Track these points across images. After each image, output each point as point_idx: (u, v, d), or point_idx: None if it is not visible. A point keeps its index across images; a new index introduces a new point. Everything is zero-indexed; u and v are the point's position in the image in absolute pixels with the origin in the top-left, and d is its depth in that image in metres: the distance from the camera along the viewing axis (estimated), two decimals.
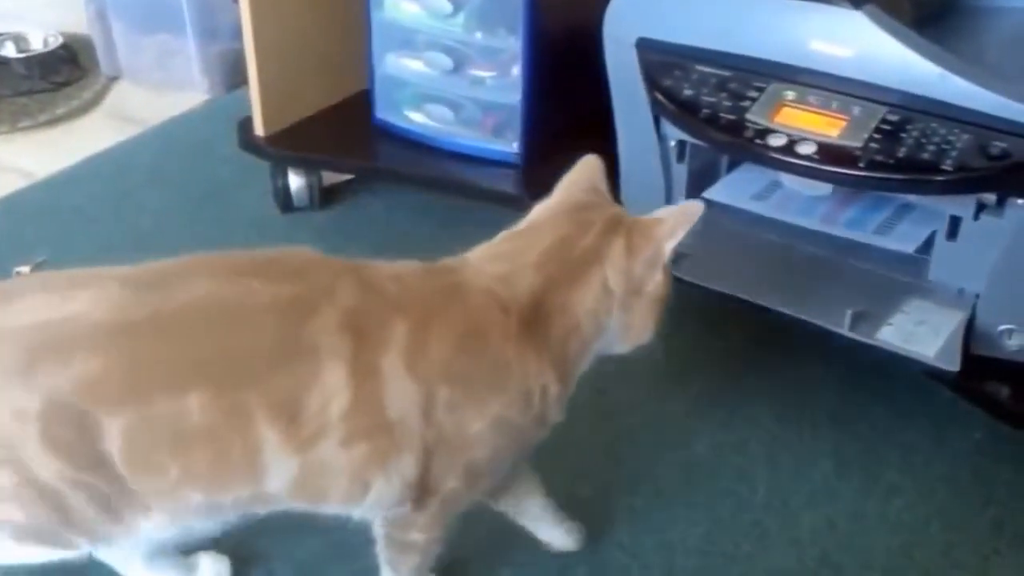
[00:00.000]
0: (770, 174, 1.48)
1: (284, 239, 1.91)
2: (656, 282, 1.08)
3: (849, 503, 1.38)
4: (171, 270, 1.00)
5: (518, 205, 1.77)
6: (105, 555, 1.15)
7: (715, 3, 1.37)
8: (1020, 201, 1.24)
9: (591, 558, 1.29)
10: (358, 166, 1.94)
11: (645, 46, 1.42)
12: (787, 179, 1.43)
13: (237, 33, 1.87)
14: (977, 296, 1.35)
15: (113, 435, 0.93)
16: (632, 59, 1.43)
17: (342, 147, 1.92)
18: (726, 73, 1.36)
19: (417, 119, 1.87)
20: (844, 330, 1.33)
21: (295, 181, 1.93)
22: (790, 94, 1.32)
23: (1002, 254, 1.30)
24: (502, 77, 1.78)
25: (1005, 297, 1.33)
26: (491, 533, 1.26)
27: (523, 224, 1.13)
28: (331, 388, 0.95)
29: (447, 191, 1.86)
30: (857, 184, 1.25)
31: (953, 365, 1.29)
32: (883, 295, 1.39)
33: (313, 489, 1.01)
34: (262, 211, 1.97)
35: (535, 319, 1.03)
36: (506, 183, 1.82)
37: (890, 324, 1.34)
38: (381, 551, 1.15)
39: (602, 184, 1.15)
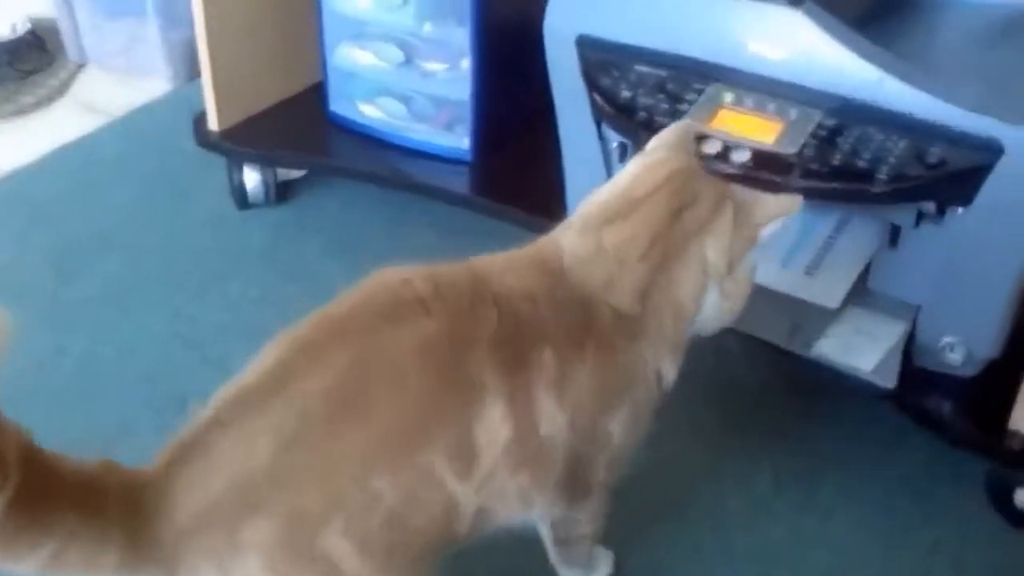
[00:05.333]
0: None
1: (240, 236, 1.91)
2: (748, 265, 1.08)
3: (787, 521, 1.34)
4: (285, 360, 0.91)
5: (468, 204, 1.76)
6: None
7: (655, 1, 1.32)
8: (960, 210, 1.19)
9: None
10: (311, 162, 1.90)
11: (585, 44, 1.37)
12: None
13: None
14: (919, 307, 1.31)
15: (341, 549, 0.89)
16: (573, 57, 1.39)
17: (296, 142, 1.88)
18: (665, 74, 1.31)
19: (370, 113, 1.83)
20: (782, 343, 1.29)
21: (251, 177, 1.89)
22: (729, 96, 1.27)
23: (943, 264, 1.25)
24: (453, 71, 1.74)
25: (946, 309, 1.29)
26: None
27: (626, 184, 1.08)
28: (495, 424, 0.93)
29: (398, 188, 1.83)
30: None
31: (889, 382, 1.25)
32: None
33: (486, 518, 1.00)
34: (220, 207, 1.93)
35: (646, 311, 1.03)
36: (457, 181, 1.78)
37: (828, 336, 1.30)
38: (555, 553, 1.20)
39: (694, 152, 1.15)
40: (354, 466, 0.89)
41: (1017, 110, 1.13)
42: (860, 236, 1.36)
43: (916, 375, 1.32)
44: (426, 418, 0.91)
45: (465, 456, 0.92)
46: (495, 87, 1.73)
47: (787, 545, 1.31)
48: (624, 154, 1.42)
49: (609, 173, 1.46)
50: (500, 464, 0.94)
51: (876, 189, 1.16)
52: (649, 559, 1.28)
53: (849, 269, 1.34)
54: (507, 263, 1.02)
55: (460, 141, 1.78)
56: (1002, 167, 1.14)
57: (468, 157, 1.78)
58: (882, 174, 1.15)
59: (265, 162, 1.88)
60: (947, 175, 1.15)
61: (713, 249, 1.04)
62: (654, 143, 1.12)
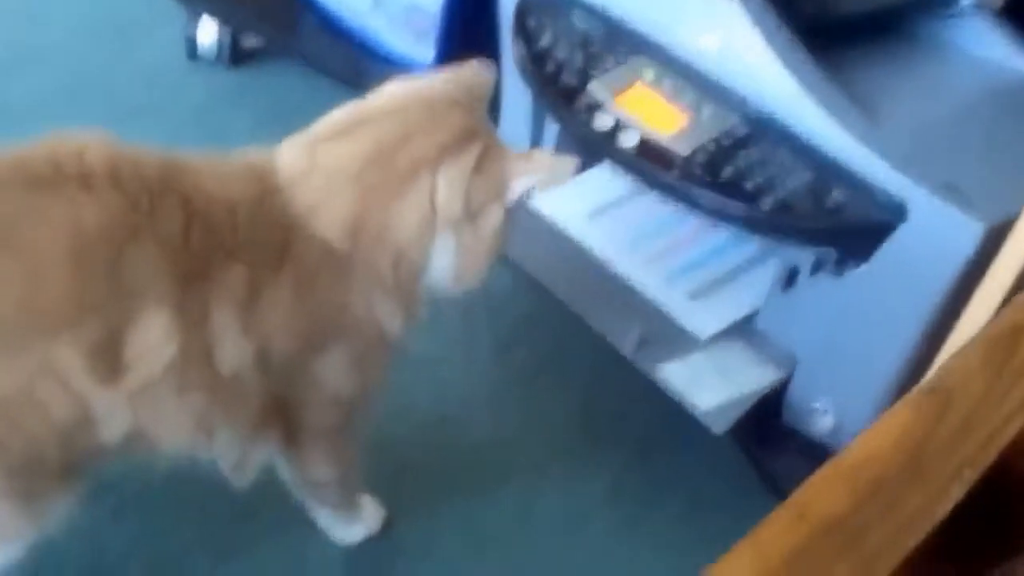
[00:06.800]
0: None
1: (177, 87, 1.80)
2: (493, 218, 0.91)
3: (602, 533, 1.22)
4: None
5: None
6: None
7: None
8: (859, 269, 1.06)
9: None
10: (267, 31, 1.79)
11: None
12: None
13: None
14: (797, 361, 1.17)
15: None
16: None
17: (259, 9, 1.77)
18: (595, 32, 1.18)
19: (341, 3, 1.71)
20: (624, 351, 1.17)
21: (208, 32, 1.79)
22: (649, 74, 1.13)
23: (830, 321, 1.12)
24: None
25: (825, 370, 1.16)
26: None
27: (370, 102, 0.94)
28: (155, 334, 0.82)
29: (353, 86, 1.70)
30: (668, 193, 1.06)
31: (720, 428, 1.12)
32: None
33: (146, 436, 0.89)
34: (170, 56, 1.83)
35: (357, 248, 0.89)
36: None
37: (682, 361, 1.17)
38: (299, 494, 1.09)
39: (483, 97, 0.97)
40: None
41: (935, 178, 0.98)
42: (764, 278, 1.22)
43: (778, 432, 1.20)
44: (54, 308, 0.79)
45: (107, 361, 0.81)
46: (469, 4, 1.60)
47: (590, 559, 1.20)
48: None
49: (537, 120, 1.33)
50: (162, 380, 0.83)
51: (752, 215, 1.02)
52: (426, 532, 1.18)
53: (735, 309, 1.22)
54: (214, 167, 0.90)
55: (426, 54, 1.66)
56: (903, 232, 1.00)
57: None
58: (766, 203, 1.01)
59: (220, 19, 1.77)
60: (841, 224, 1.01)
61: (446, 184, 0.88)
62: (439, 74, 0.96)
